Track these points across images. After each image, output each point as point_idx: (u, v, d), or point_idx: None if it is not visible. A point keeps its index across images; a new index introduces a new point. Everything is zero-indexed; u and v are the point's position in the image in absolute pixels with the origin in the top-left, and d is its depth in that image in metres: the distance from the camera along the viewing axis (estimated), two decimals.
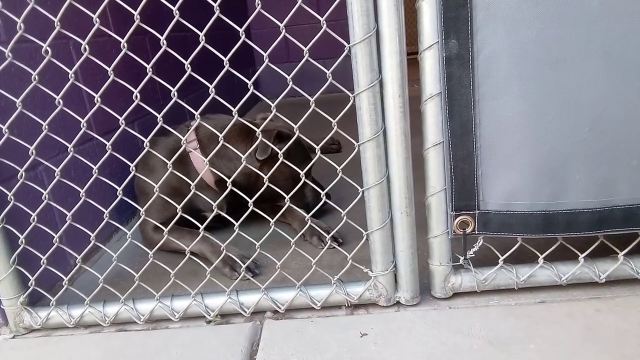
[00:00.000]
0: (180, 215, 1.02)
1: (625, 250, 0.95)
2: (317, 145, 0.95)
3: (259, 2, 0.84)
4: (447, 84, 0.86)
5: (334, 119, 0.90)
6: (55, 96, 0.93)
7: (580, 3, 0.78)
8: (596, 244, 0.95)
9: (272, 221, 0.99)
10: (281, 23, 0.86)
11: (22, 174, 0.99)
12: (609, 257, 0.98)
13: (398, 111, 0.88)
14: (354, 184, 0.95)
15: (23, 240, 1.03)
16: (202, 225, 1.05)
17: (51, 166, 1.04)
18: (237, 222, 1.01)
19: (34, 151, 0.97)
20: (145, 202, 1.47)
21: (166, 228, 1.06)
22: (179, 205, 1.02)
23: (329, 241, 1.18)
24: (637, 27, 0.79)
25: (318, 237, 1.34)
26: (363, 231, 0.96)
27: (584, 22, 0.79)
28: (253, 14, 0.91)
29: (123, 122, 0.91)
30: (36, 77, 0.92)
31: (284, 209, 1.05)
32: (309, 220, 1.04)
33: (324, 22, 0.86)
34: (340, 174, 0.94)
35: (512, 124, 0.86)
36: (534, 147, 0.87)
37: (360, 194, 0.95)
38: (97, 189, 1.37)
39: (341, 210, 0.97)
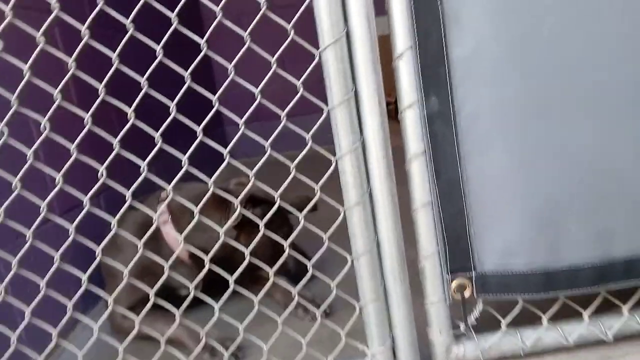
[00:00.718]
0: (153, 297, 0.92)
1: (629, 304, 0.91)
2: (297, 209, 0.90)
3: (232, 69, 0.81)
4: (431, 142, 0.83)
5: (311, 177, 0.85)
6: (12, 178, 0.85)
7: (560, 54, 0.79)
8: (599, 299, 0.90)
9: (256, 300, 0.91)
10: (255, 87, 0.83)
11: None
12: (614, 311, 0.93)
13: (383, 172, 0.84)
14: (342, 251, 0.88)
15: None
16: (176, 306, 0.95)
17: (7, 256, 0.94)
18: (216, 300, 0.92)
19: None
20: (113, 285, 1.35)
21: (136, 311, 0.97)
22: (151, 286, 0.92)
23: (318, 315, 1.10)
24: (620, 74, 0.79)
25: (303, 308, 1.25)
26: (355, 303, 0.89)
27: (565, 72, 0.79)
28: (225, 84, 0.88)
29: (88, 202, 0.84)
30: None
31: (268, 284, 0.97)
32: (293, 291, 0.95)
33: (301, 85, 0.83)
34: (326, 242, 0.88)
35: (500, 180, 0.84)
36: (524, 202, 0.84)
37: (350, 262, 0.88)
38: (60, 275, 1.26)
39: (330, 282, 0.90)
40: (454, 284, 0.88)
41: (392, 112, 0.96)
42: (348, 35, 0.81)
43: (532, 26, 0.79)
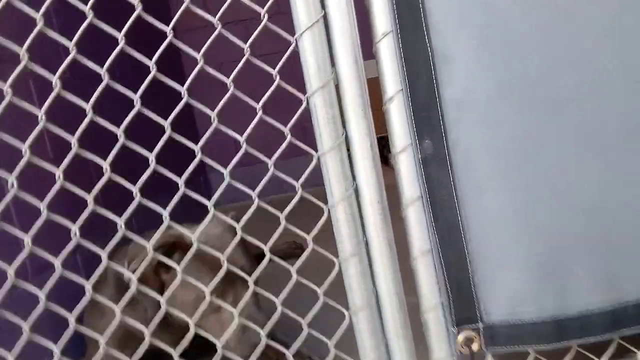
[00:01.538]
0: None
1: None
2: (283, 256, 0.83)
3: (215, 118, 0.77)
4: (427, 186, 0.79)
5: (300, 219, 0.80)
6: None
7: (552, 91, 0.77)
8: (613, 346, 0.85)
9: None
10: (239, 133, 0.79)
11: None
12: (629, 358, 0.87)
13: (379, 219, 0.80)
14: (340, 307, 0.82)
15: None
16: None
17: None
18: None
19: None
20: (95, 352, 1.25)
21: None
22: (135, 351, 0.84)
23: None
24: (618, 109, 0.77)
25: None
26: None
27: (559, 109, 0.77)
28: (206, 134, 0.83)
29: (60, 266, 0.76)
30: None
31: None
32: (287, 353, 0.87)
33: (288, 131, 0.79)
34: (321, 297, 0.82)
35: (501, 223, 0.79)
36: (528, 246, 0.80)
37: (348, 318, 0.82)
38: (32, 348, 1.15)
39: (328, 341, 0.83)
40: (461, 337, 0.82)
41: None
42: (336, 79, 0.78)
43: (520, 63, 0.78)
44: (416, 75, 0.78)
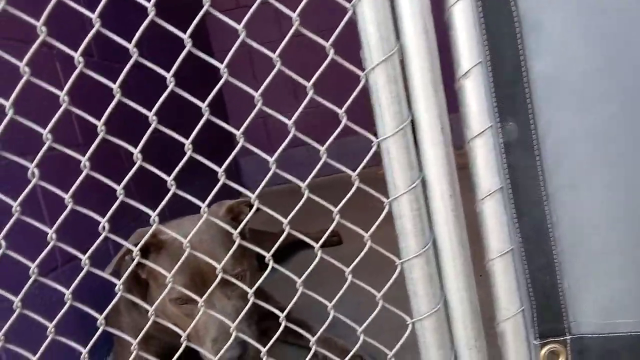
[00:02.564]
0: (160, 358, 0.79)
1: None
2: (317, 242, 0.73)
3: (259, 99, 0.67)
4: (510, 177, 0.67)
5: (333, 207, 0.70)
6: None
7: None
8: None
9: (263, 351, 0.74)
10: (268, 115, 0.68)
11: None
12: None
13: (451, 215, 0.68)
14: (401, 314, 0.72)
15: None
16: None
17: None
18: None
19: None
20: (119, 345, 1.19)
21: None
22: (158, 347, 0.78)
23: None
24: None
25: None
26: None
27: None
28: (251, 115, 0.73)
29: (87, 263, 0.68)
30: None
31: (281, 327, 0.78)
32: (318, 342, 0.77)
33: (343, 114, 0.68)
34: (381, 302, 0.72)
35: (600, 220, 0.67)
36: (628, 248, 0.67)
37: (410, 325, 0.72)
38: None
39: (388, 352, 0.73)
40: (544, 350, 0.71)
41: None
42: (401, 51, 0.66)
43: (626, 32, 0.64)
44: (499, 45, 0.65)
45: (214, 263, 0.74)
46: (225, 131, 0.75)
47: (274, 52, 0.66)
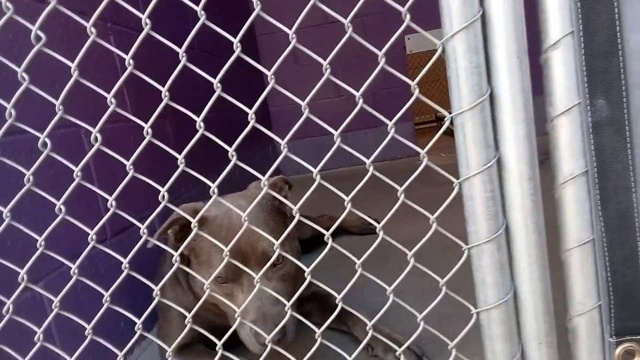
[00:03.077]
0: (203, 335, 0.77)
1: None
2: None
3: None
4: (597, 160, 0.62)
5: (372, 193, 0.65)
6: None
7: None
8: None
9: (318, 332, 0.72)
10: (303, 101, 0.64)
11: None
12: None
13: (528, 200, 0.63)
14: (466, 303, 0.68)
15: None
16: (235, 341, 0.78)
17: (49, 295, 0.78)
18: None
19: (24, 276, 0.72)
20: (164, 320, 1.19)
21: (189, 347, 0.90)
22: (196, 325, 0.76)
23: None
24: None
25: (384, 348, 1.05)
26: None
27: None
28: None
29: (145, 232, 0.67)
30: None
31: (336, 312, 0.75)
32: (372, 329, 0.73)
33: (361, 97, 0.63)
34: (444, 289, 0.68)
35: None
36: None
37: (475, 315, 0.67)
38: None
39: (449, 342, 0.69)
40: (619, 349, 0.66)
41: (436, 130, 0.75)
42: (483, 19, 0.61)
43: None
44: (592, 12, 0.59)
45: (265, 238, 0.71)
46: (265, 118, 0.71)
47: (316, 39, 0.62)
